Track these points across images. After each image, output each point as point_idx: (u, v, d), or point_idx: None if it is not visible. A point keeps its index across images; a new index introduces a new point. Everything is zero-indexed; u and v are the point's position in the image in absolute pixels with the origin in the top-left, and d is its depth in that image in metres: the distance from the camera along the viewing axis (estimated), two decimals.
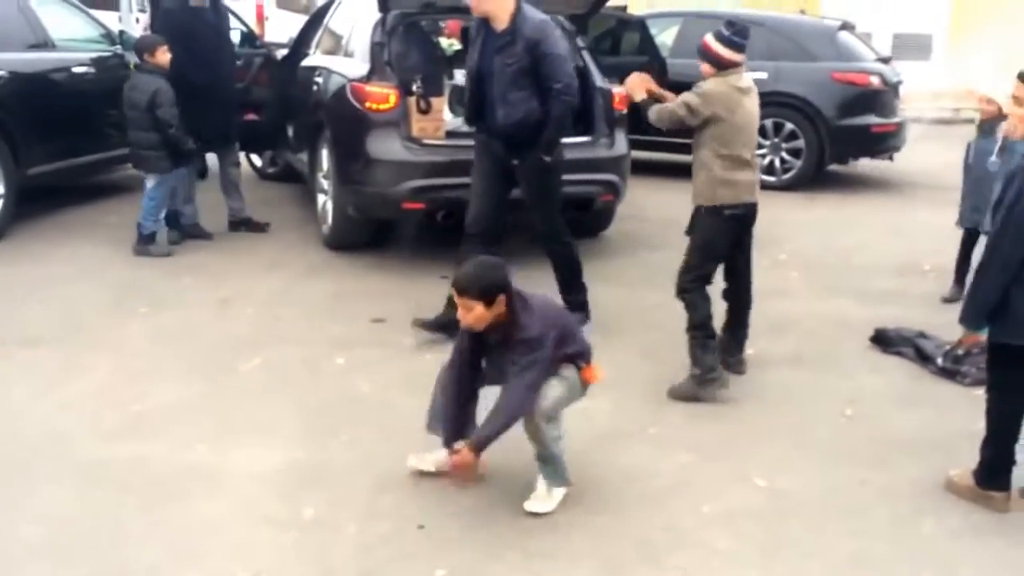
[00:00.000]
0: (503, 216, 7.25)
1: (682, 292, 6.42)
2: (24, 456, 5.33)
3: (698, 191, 6.38)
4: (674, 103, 6.35)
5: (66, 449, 5.42)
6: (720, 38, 6.28)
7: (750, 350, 6.97)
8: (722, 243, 6.45)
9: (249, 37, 11.75)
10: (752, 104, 6.35)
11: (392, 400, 6.12)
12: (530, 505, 4.95)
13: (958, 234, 8.27)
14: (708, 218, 6.36)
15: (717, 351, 6.48)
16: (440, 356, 5.92)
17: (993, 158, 7.78)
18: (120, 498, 4.95)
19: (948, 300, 8.19)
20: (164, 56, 8.78)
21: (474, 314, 4.78)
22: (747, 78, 6.34)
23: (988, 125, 7.99)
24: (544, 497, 4.99)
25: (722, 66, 6.26)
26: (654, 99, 6.56)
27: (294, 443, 5.58)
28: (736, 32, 6.28)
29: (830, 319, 7.92)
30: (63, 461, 5.29)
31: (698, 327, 6.37)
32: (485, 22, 6.86)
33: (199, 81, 9.13)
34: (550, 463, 4.98)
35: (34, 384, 6.28)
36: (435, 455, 5.18)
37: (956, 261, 8.36)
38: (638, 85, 6.61)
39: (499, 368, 4.91)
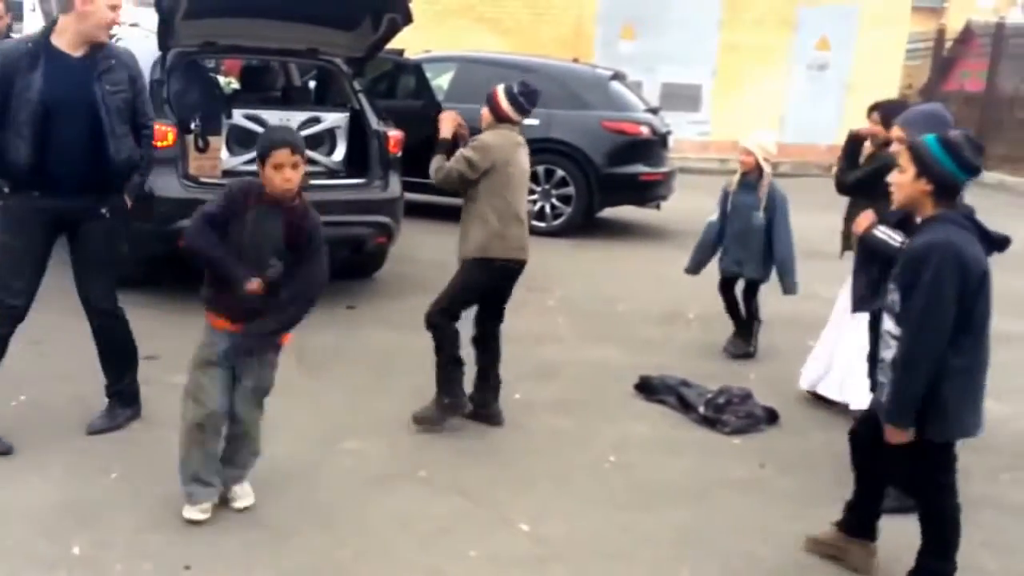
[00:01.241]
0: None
1: (431, 326, 6.54)
2: None
3: (470, 244, 6.50)
4: (451, 161, 6.45)
5: None
6: (508, 94, 6.47)
7: (516, 395, 7.16)
8: (480, 291, 6.63)
9: None
10: (525, 159, 6.56)
11: (163, 437, 5.98)
12: (243, 503, 5.26)
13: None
14: (475, 269, 6.51)
15: (465, 392, 6.65)
16: None
17: (759, 213, 8.16)
18: None
19: (735, 355, 8.44)
20: None
21: (299, 172, 4.88)
22: (520, 134, 6.55)
23: (747, 179, 8.27)
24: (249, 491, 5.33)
25: (500, 119, 6.46)
26: (454, 141, 6.61)
27: (64, 480, 5.49)
28: (526, 95, 6.48)
29: (596, 366, 8.14)
30: None
31: (448, 358, 6.53)
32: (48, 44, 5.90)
33: None
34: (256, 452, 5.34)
35: None
36: (204, 505, 5.15)
37: (727, 312, 8.59)
38: (449, 120, 6.66)
39: (264, 244, 4.98)
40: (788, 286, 8.27)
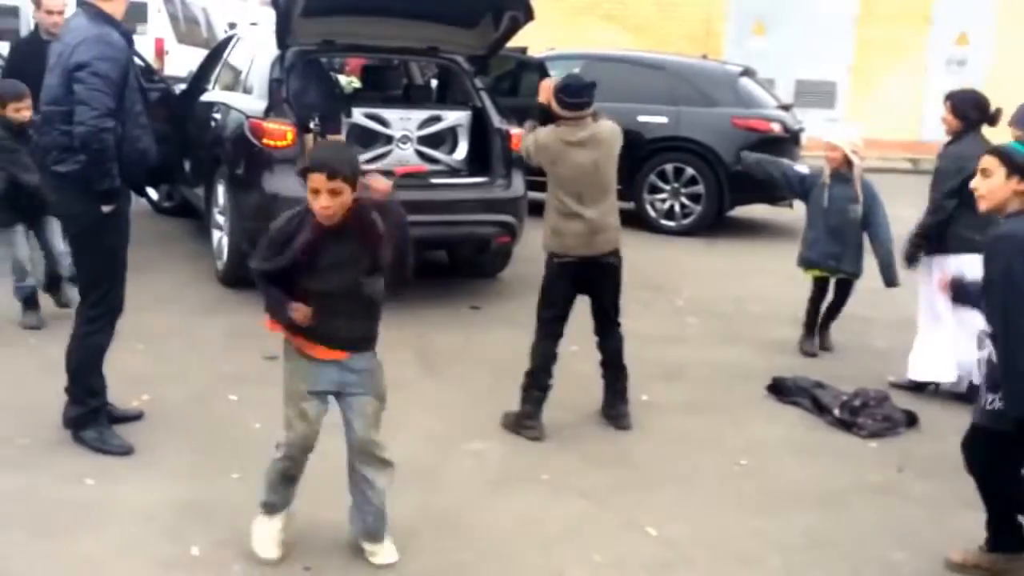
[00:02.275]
0: None
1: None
2: None
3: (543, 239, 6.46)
4: (526, 138, 6.43)
5: None
6: (558, 89, 6.27)
7: (644, 396, 6.97)
8: (557, 292, 6.41)
9: (146, 71, 11.56)
10: (584, 156, 6.20)
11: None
12: (383, 559, 4.77)
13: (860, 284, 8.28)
14: (546, 264, 6.42)
15: (538, 404, 6.37)
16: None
17: (856, 206, 7.89)
18: (4, 534, 4.83)
19: (808, 354, 8.18)
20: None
21: (342, 199, 4.32)
22: (589, 129, 6.21)
23: (840, 172, 8.01)
24: (389, 547, 4.81)
25: (555, 118, 6.27)
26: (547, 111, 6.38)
27: (183, 480, 5.49)
28: (566, 91, 6.24)
29: (726, 367, 7.91)
30: None
31: (528, 372, 6.38)
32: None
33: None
34: (383, 509, 4.77)
35: None
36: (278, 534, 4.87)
37: (808, 313, 8.34)
38: (546, 88, 6.40)
39: (341, 266, 4.48)
40: (889, 278, 7.90)
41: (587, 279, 6.39)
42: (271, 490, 4.77)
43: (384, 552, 4.77)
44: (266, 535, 4.77)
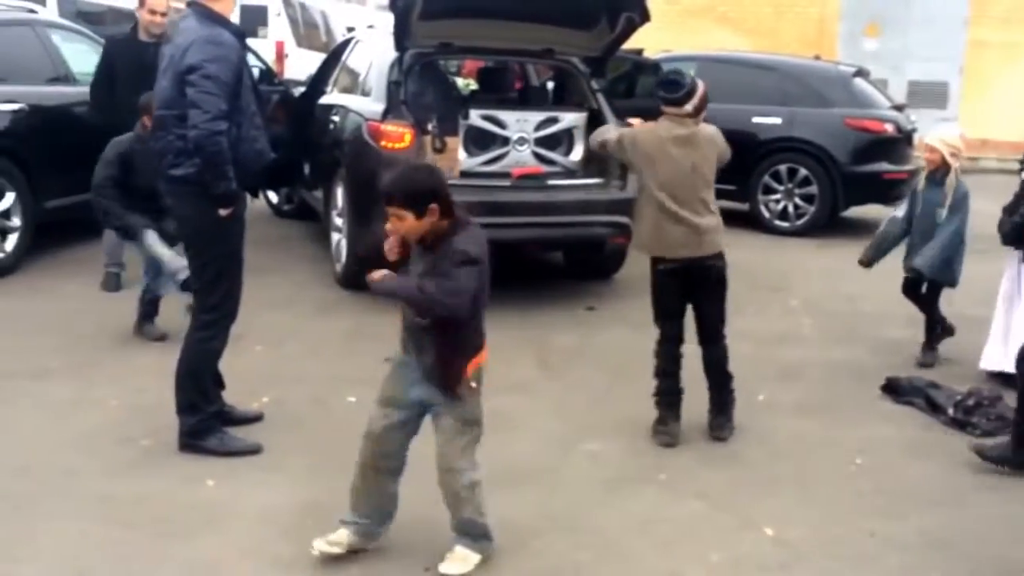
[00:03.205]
0: None
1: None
2: (31, 490, 5.32)
3: (636, 238, 6.42)
4: (618, 129, 6.40)
5: (74, 484, 5.41)
6: (656, 84, 6.30)
7: (760, 396, 7.00)
8: (666, 298, 6.33)
9: (267, 74, 11.77)
10: (686, 155, 6.09)
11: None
12: (445, 567, 4.70)
13: (975, 283, 8.17)
14: (650, 270, 6.35)
15: (669, 408, 6.34)
16: None
17: (943, 210, 7.76)
18: (127, 535, 4.93)
19: (923, 365, 7.96)
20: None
21: (406, 224, 4.35)
22: (690, 128, 6.12)
23: (934, 175, 7.89)
24: (459, 559, 4.73)
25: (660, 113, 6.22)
26: None
27: (303, 482, 5.56)
28: (663, 84, 6.19)
29: (841, 367, 7.88)
30: (71, 496, 5.27)
31: (655, 375, 6.37)
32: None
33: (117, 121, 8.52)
34: (476, 517, 4.72)
35: (43, 417, 6.29)
36: (341, 536, 4.88)
37: (925, 322, 8.17)
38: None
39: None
40: (933, 275, 7.86)
41: (691, 283, 6.28)
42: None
43: (450, 562, 4.73)
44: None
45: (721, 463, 6.07)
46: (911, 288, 8.14)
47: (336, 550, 4.75)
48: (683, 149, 6.08)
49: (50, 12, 13.46)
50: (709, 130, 6.26)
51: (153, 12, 9.08)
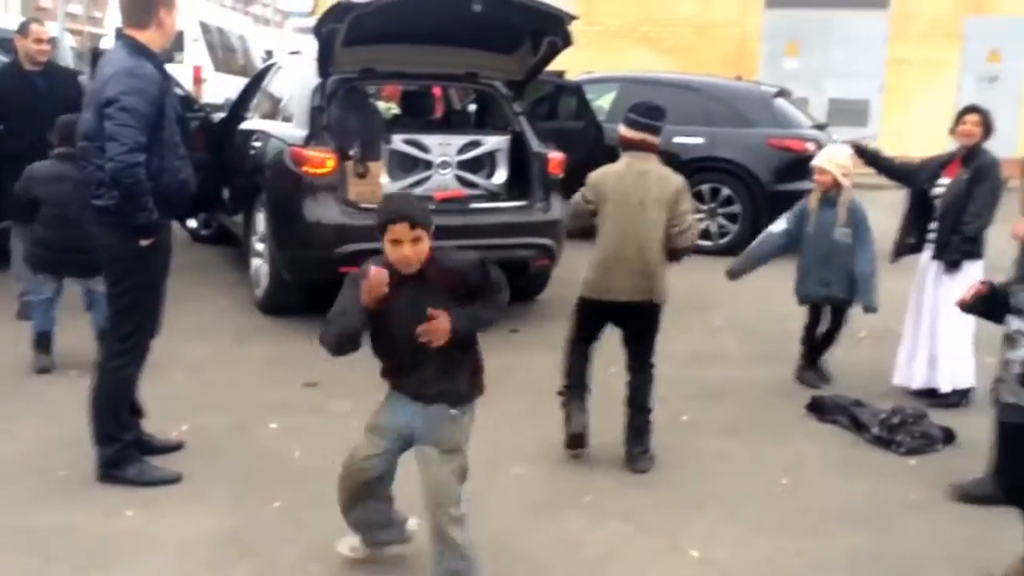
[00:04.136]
0: None
1: None
2: None
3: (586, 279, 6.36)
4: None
5: None
6: (624, 119, 6.26)
7: (684, 416, 7.02)
8: (585, 323, 6.37)
9: (185, 100, 11.68)
10: (639, 191, 6.08)
11: (324, 467, 5.94)
12: None
13: (897, 302, 8.24)
14: (582, 300, 6.35)
15: (582, 401, 6.35)
16: None
17: (843, 228, 7.82)
18: (45, 567, 4.86)
19: (809, 385, 7.97)
20: None
21: (421, 247, 4.34)
22: (652, 163, 6.16)
23: (826, 196, 7.92)
24: None
25: (622, 146, 6.22)
26: None
27: (223, 511, 5.49)
28: (646, 110, 6.20)
29: (766, 386, 7.92)
30: None
31: (563, 375, 6.39)
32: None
33: (9, 151, 8.63)
34: (458, 569, 4.54)
35: None
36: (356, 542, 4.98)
37: (802, 341, 8.22)
38: None
39: (417, 312, 4.36)
40: (868, 304, 7.88)
41: (628, 319, 6.28)
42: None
43: None
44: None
45: (646, 484, 6.06)
46: (816, 313, 8.20)
47: (355, 555, 4.93)
48: (642, 184, 6.09)
49: None
50: (673, 176, 6.19)
51: (39, 41, 9.12)
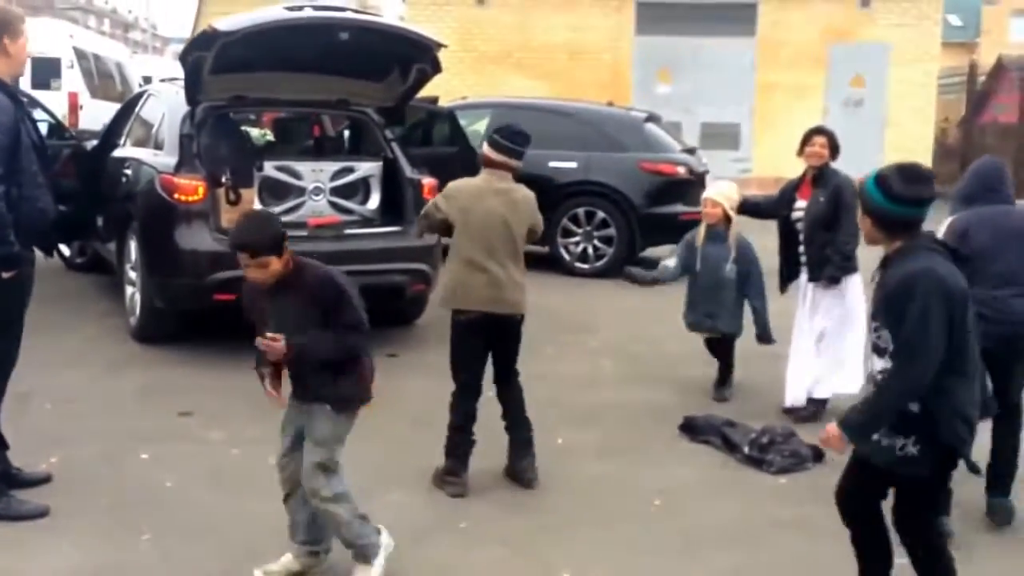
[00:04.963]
0: None
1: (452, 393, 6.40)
2: None
3: (441, 293, 6.44)
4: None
5: None
6: (489, 137, 6.37)
7: (559, 440, 7.05)
8: (466, 349, 6.33)
9: (56, 128, 11.50)
10: (502, 206, 6.18)
11: (197, 497, 6.01)
12: None
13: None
14: (451, 322, 6.36)
15: (462, 460, 6.31)
16: (250, 451, 6.13)
17: (729, 264, 8.00)
18: None
19: (718, 400, 8.18)
20: None
21: (271, 270, 4.64)
22: (510, 182, 6.26)
23: (715, 230, 8.08)
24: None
25: (485, 164, 6.29)
26: None
27: (92, 545, 5.40)
28: (511, 134, 6.27)
29: (641, 408, 8.00)
30: None
31: (450, 428, 6.33)
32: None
33: None
34: (350, 537, 5.00)
35: None
36: (282, 562, 5.06)
37: (719, 367, 8.40)
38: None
39: (285, 320, 4.78)
40: (765, 337, 8.13)
41: (492, 335, 6.31)
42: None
43: None
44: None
45: (521, 509, 6.09)
46: (713, 343, 8.38)
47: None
48: (500, 200, 6.17)
49: None
50: (528, 192, 6.34)
51: None
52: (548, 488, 6.37)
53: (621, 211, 13.27)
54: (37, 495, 5.87)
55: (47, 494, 5.92)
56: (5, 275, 5.43)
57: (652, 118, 14.46)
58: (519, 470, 6.40)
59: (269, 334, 4.69)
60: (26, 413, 6.33)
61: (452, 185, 6.32)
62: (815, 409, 7.75)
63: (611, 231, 13.34)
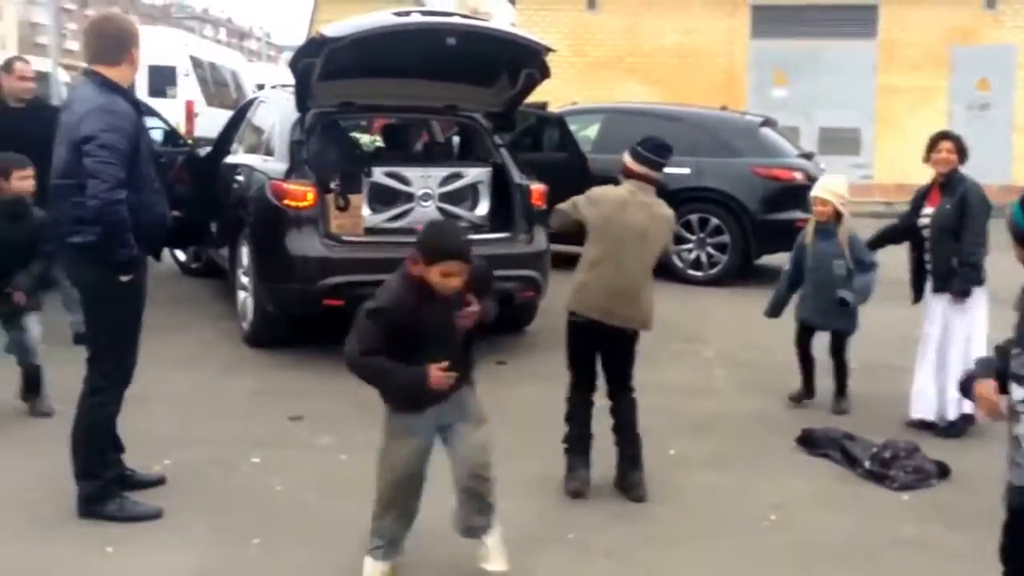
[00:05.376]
0: None
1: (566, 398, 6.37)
2: None
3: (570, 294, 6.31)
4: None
5: None
6: (631, 147, 6.26)
7: (671, 450, 6.91)
8: (576, 352, 6.29)
9: (171, 136, 11.70)
10: (642, 220, 6.10)
11: (306, 501, 6.02)
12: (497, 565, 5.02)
13: (890, 331, 8.14)
14: (567, 324, 6.29)
15: (586, 455, 6.29)
16: (359, 456, 6.02)
17: (840, 261, 7.77)
18: None
19: (795, 400, 8.07)
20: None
21: (464, 275, 4.68)
22: (651, 196, 6.19)
23: (824, 227, 7.91)
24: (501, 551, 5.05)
25: (624, 174, 6.22)
26: None
27: (204, 547, 5.42)
28: (655, 146, 6.20)
29: (755, 418, 7.81)
30: None
31: (565, 423, 6.32)
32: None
33: None
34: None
35: None
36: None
37: (799, 360, 8.18)
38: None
39: (443, 323, 4.75)
40: (849, 299, 7.79)
41: (603, 344, 6.24)
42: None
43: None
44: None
45: (630, 520, 5.95)
46: (804, 337, 8.15)
47: None
48: (644, 214, 6.10)
49: None
50: (669, 212, 6.27)
51: (23, 78, 9.25)
52: (658, 498, 6.22)
53: (735, 217, 13.06)
54: (151, 496, 5.93)
55: (161, 496, 5.97)
56: (124, 278, 5.55)
57: (767, 122, 14.24)
58: (627, 486, 6.28)
59: (443, 366, 4.68)
60: (141, 415, 6.38)
61: (597, 191, 6.23)
62: (963, 425, 7.47)
63: (725, 238, 13.14)
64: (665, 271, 12.58)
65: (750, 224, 13.03)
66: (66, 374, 7.01)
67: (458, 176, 9.63)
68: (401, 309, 4.64)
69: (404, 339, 4.65)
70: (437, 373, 4.64)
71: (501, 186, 9.59)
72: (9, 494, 6.01)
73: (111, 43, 5.64)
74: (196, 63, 23.35)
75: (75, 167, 5.42)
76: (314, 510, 5.86)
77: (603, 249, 6.09)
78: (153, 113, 10.24)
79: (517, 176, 9.52)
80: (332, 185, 8.85)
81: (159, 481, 6.17)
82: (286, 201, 8.68)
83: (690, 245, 13.21)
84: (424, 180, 9.42)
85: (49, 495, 5.90)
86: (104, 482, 5.73)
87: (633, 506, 6.13)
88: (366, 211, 9.18)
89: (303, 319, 9.19)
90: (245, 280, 9.43)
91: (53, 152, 5.67)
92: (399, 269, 4.74)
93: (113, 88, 5.56)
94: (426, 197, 9.38)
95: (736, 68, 23.92)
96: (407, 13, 8.65)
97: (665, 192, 12.40)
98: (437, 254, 4.61)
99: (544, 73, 9.15)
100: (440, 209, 9.41)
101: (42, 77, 16.89)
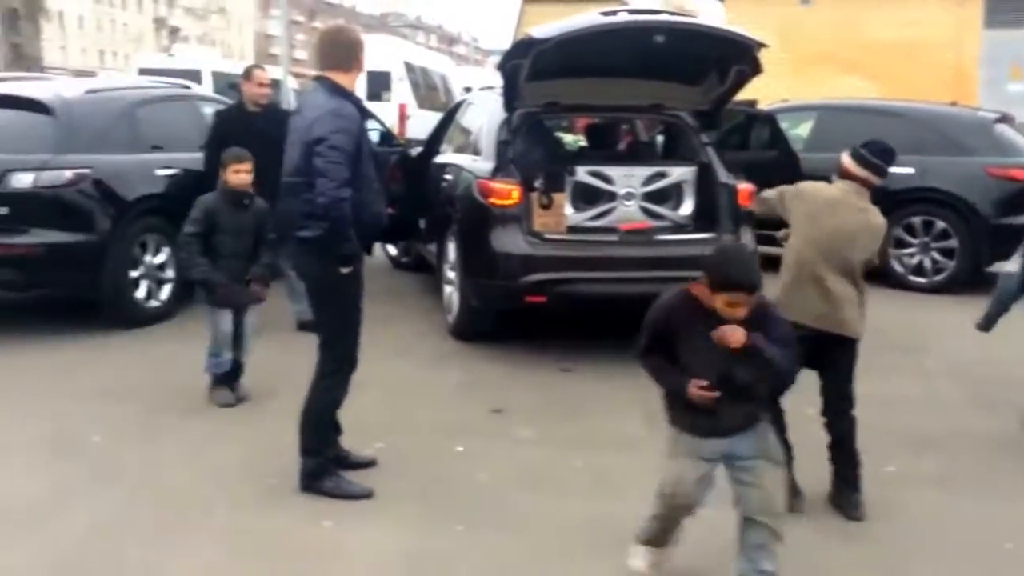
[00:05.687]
0: None
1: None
2: (169, 519, 5.73)
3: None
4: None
5: (206, 515, 5.79)
6: (852, 152, 5.89)
7: (890, 467, 6.48)
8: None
9: (386, 136, 12.05)
10: (852, 222, 5.75)
11: (508, 493, 6.15)
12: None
13: None
14: None
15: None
16: (559, 451, 6.48)
17: None
18: (247, 567, 5.24)
19: None
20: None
21: (746, 307, 4.50)
22: (867, 201, 5.82)
23: None
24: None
25: (840, 174, 5.87)
26: None
27: (412, 527, 5.67)
28: (880, 151, 5.84)
29: (985, 437, 7.23)
30: (202, 527, 5.65)
31: None
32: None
33: None
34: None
35: (183, 451, 6.76)
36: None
37: None
38: None
39: (711, 357, 4.58)
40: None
41: (819, 353, 5.81)
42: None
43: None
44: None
45: (845, 538, 5.59)
46: None
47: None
48: (857, 219, 5.77)
49: (206, 86, 15.65)
50: (881, 221, 5.89)
51: (261, 84, 9.89)
52: (876, 518, 5.81)
53: (965, 221, 12.28)
54: (362, 477, 6.25)
55: (371, 477, 6.28)
56: (344, 270, 5.92)
57: (1004, 119, 13.31)
58: (844, 505, 5.89)
59: (702, 384, 4.57)
60: (356, 400, 6.44)
61: (807, 186, 5.94)
62: None
63: (952, 242, 12.39)
64: (882, 276, 12.00)
65: (982, 228, 12.19)
66: (287, 361, 7.59)
67: (662, 175, 9.52)
68: (666, 318, 4.68)
69: (671, 349, 4.68)
70: (695, 388, 4.54)
71: (706, 186, 9.42)
72: (240, 465, 6.50)
73: (343, 51, 6.04)
74: (409, 68, 24.35)
75: (305, 166, 5.79)
76: (516, 502, 6.01)
77: (811, 252, 5.74)
78: (371, 116, 10.53)
79: (723, 175, 9.33)
80: (536, 184, 9.00)
81: (371, 463, 6.54)
82: (492, 199, 8.84)
83: (912, 249, 12.52)
84: (627, 179, 9.37)
85: (275, 468, 6.29)
86: (324, 460, 6.15)
87: (847, 524, 5.76)
88: (569, 209, 9.23)
89: (507, 314, 9.39)
90: (451, 275, 9.67)
91: (285, 152, 6.08)
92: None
93: (341, 93, 5.94)
94: (629, 196, 9.36)
95: (966, 62, 22.89)
96: (614, 13, 8.59)
97: (885, 193, 11.98)
98: (723, 284, 4.47)
99: (756, 70, 8.94)
100: (643, 208, 9.40)
101: (274, 84, 17.84)
